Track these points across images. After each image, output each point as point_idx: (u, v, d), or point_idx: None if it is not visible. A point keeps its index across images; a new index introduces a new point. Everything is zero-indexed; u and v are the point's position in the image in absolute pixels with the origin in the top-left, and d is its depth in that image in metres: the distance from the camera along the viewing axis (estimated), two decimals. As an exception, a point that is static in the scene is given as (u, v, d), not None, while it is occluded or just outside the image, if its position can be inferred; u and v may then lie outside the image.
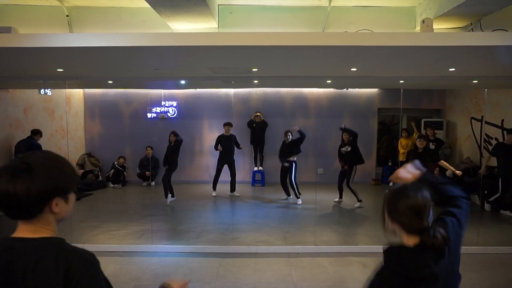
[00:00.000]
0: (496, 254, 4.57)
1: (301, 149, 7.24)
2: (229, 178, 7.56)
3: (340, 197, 7.16)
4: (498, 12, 4.35)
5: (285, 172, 7.24)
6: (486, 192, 6.55)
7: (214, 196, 7.57)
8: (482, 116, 7.51)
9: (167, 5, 4.14)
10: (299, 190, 7.13)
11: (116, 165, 8.72)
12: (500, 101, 7.03)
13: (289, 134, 7.16)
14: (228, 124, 7.46)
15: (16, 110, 6.75)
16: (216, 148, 7.43)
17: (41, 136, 6.83)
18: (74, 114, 8.85)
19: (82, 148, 9.15)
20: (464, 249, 4.64)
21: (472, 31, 4.60)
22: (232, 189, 7.60)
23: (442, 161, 5.71)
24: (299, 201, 7.06)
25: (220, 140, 7.46)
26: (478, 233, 5.00)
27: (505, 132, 6.78)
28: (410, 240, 1.34)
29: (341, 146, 7.02)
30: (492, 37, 3.34)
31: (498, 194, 6.33)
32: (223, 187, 7.67)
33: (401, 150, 7.96)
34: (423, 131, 8.04)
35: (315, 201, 6.75)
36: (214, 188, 7.63)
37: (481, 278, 3.89)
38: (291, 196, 7.36)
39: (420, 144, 5.52)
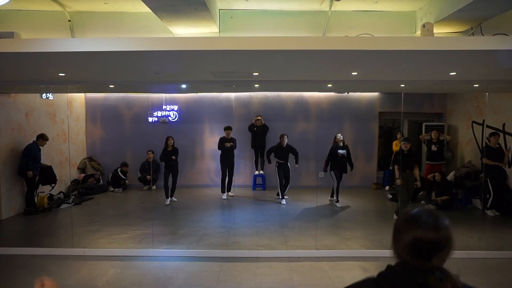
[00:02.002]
0: (498, 259, 4.55)
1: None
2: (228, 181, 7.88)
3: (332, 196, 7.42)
4: (498, 17, 4.36)
5: (284, 173, 7.48)
6: (488, 196, 6.54)
7: (225, 199, 7.71)
8: (484, 120, 7.50)
9: (168, 10, 4.16)
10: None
11: (119, 173, 8.70)
12: (502, 105, 7.02)
13: (285, 137, 7.46)
14: (228, 128, 7.73)
15: (18, 114, 6.77)
16: (221, 147, 7.73)
17: (45, 140, 6.83)
18: (76, 118, 8.87)
19: (83, 152, 9.17)
20: (466, 253, 4.63)
21: (473, 35, 4.61)
22: (228, 189, 7.88)
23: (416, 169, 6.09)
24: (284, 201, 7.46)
25: (223, 142, 7.72)
26: (480, 238, 4.98)
27: (506, 136, 6.78)
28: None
29: (337, 149, 7.20)
30: (493, 42, 3.35)
31: (492, 197, 6.45)
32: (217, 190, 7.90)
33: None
34: (426, 137, 8.05)
35: (316, 205, 6.75)
36: (224, 191, 7.80)
37: (483, 282, 3.87)
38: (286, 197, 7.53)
39: (405, 146, 5.78)
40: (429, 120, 9.11)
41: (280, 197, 7.51)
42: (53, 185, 7.12)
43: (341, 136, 7.29)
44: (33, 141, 6.72)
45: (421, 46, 3.35)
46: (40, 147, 6.77)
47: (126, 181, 8.79)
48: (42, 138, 6.79)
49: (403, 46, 3.37)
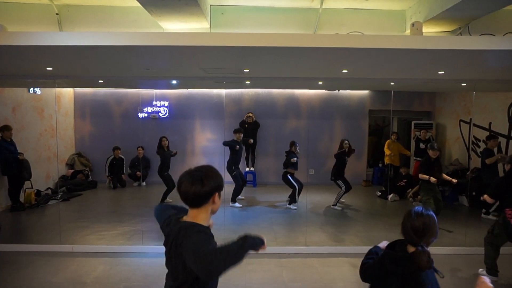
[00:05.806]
0: (483, 255, 4.63)
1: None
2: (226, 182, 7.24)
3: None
4: (486, 17, 4.43)
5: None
6: (474, 193, 6.65)
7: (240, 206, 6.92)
8: (471, 119, 7.64)
9: (158, 4, 4.11)
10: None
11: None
12: (488, 104, 7.15)
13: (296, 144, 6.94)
14: (238, 131, 7.01)
15: (4, 109, 6.64)
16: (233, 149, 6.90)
17: (8, 131, 6.33)
18: (64, 113, 8.74)
19: (72, 147, 9.05)
20: (452, 249, 4.68)
21: (461, 35, 4.67)
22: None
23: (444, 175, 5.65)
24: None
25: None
26: (466, 234, 5.08)
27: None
28: (410, 248, 1.76)
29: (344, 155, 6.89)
30: (480, 42, 3.40)
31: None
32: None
33: (387, 153, 8.00)
34: (417, 133, 8.16)
35: (306, 202, 6.78)
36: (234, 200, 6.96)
37: (468, 278, 3.95)
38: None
39: (434, 154, 5.38)
40: (418, 118, 9.23)
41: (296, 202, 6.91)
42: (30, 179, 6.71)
43: (348, 142, 6.87)
44: (0, 137, 6.33)
45: (410, 45, 3.39)
46: (9, 139, 6.36)
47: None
48: (4, 130, 6.33)
49: (392, 45, 3.40)
